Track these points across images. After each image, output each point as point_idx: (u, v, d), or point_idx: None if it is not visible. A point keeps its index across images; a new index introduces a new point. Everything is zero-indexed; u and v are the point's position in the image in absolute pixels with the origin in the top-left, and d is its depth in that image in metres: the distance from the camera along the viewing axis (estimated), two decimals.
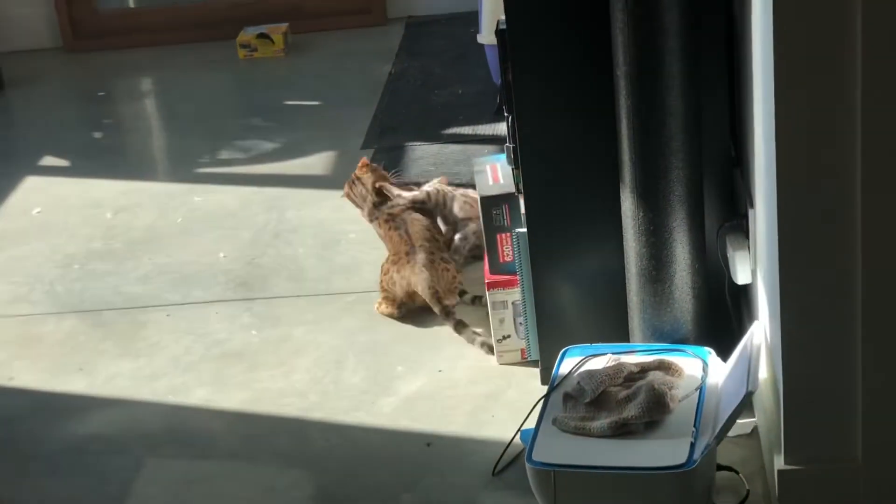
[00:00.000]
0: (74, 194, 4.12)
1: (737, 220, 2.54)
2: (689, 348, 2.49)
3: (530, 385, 2.77)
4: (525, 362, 2.86)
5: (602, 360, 2.49)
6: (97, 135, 4.75)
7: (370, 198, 3.33)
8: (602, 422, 2.30)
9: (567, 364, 2.50)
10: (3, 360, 3.15)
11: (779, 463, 2.23)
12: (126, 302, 3.37)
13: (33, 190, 4.21)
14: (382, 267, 3.16)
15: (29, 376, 3.07)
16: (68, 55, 5.65)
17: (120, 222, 3.87)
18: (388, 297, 3.13)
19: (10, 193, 4.19)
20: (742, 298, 2.65)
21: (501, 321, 2.86)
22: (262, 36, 5.36)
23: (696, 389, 2.37)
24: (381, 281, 3.14)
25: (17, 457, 2.77)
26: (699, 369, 2.43)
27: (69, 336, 3.23)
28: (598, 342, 2.58)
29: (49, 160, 4.49)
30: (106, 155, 4.49)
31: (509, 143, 2.71)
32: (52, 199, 4.10)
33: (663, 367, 2.43)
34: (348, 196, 3.40)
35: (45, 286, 3.50)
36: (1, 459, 2.77)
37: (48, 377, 3.05)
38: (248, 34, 5.38)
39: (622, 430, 2.28)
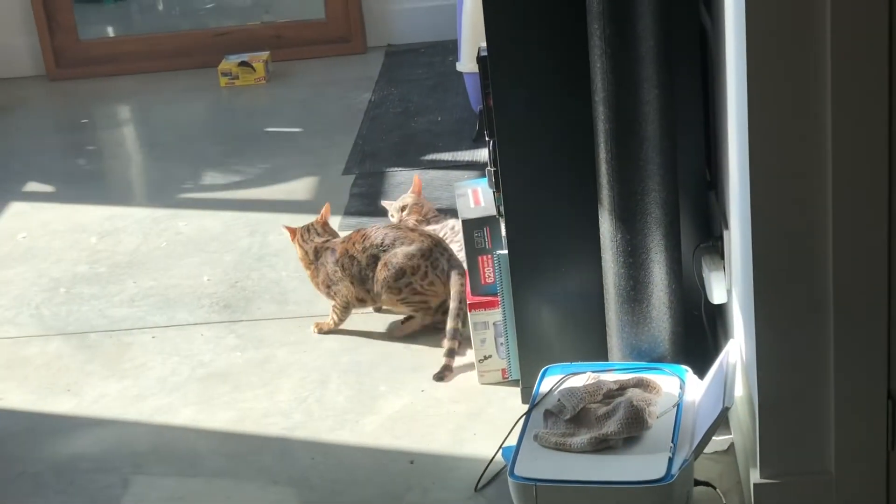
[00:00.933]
0: (59, 219, 4.15)
1: (712, 242, 2.58)
2: (667, 366, 2.53)
3: (511, 404, 2.81)
4: (506, 382, 2.90)
5: (582, 378, 2.53)
6: (81, 161, 4.78)
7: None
8: (582, 438, 2.35)
9: (547, 382, 2.55)
10: None
11: (754, 477, 2.27)
12: (112, 324, 3.40)
13: (18, 215, 4.24)
14: (404, 274, 3.09)
15: (16, 397, 3.10)
16: (52, 83, 5.68)
17: (104, 247, 3.90)
18: (424, 306, 3.13)
19: None
20: (718, 317, 2.70)
21: (483, 341, 2.90)
22: (243, 64, 5.40)
23: (674, 406, 2.42)
24: (416, 287, 3.10)
25: (5, 476, 2.79)
26: (676, 387, 2.47)
27: (56, 358, 3.26)
28: (577, 361, 2.62)
29: (33, 186, 4.52)
30: (90, 181, 4.53)
31: (490, 166, 2.74)
32: (37, 224, 4.13)
33: (642, 384, 2.47)
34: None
35: (31, 309, 3.53)
36: None
37: (35, 398, 3.08)
38: (229, 62, 5.42)
39: (602, 446, 2.33)
